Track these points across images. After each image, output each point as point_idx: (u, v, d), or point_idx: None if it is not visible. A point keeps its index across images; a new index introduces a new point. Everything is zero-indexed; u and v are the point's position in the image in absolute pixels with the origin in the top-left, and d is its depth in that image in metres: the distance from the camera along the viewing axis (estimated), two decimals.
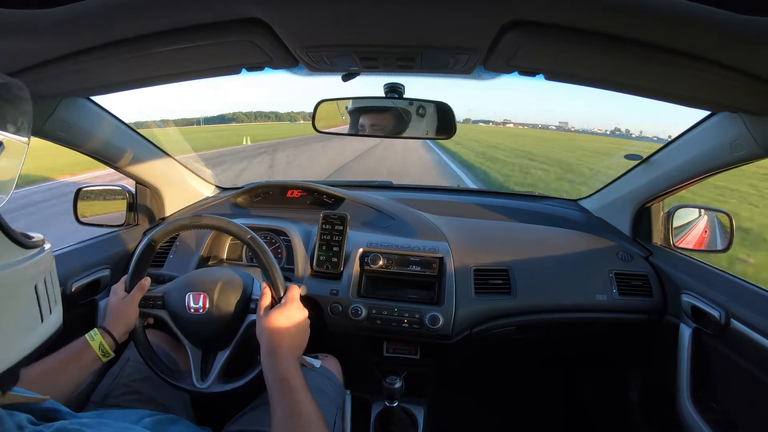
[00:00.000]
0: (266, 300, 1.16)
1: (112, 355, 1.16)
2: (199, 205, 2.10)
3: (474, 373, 2.31)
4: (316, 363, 1.42)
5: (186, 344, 1.26)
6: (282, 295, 1.17)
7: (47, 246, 0.60)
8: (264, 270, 1.19)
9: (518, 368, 2.29)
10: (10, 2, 0.69)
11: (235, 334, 1.23)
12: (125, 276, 1.28)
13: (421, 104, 1.45)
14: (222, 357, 1.23)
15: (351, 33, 0.94)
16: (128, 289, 1.26)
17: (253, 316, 1.22)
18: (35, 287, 0.57)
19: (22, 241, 0.55)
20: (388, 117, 1.50)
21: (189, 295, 1.22)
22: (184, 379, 1.24)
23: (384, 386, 1.62)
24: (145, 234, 1.86)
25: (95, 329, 1.16)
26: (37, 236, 0.60)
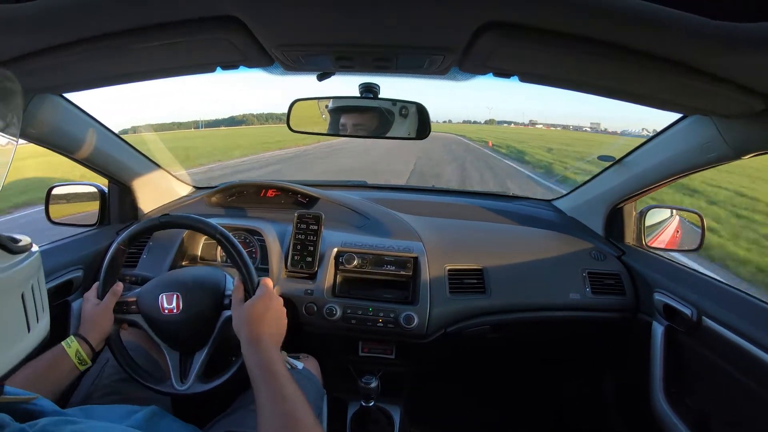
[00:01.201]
0: (240, 293, 1.14)
1: (89, 363, 1.14)
2: (173, 204, 2.07)
3: (450, 373, 2.32)
4: (299, 365, 1.41)
5: (163, 347, 1.24)
6: (256, 286, 1.16)
7: (35, 248, 0.57)
8: (235, 263, 1.18)
9: (494, 367, 2.30)
10: None
11: (211, 332, 1.22)
12: (97, 282, 1.26)
13: (404, 105, 1.44)
14: (200, 357, 1.22)
15: (327, 33, 0.94)
16: (100, 296, 1.23)
17: (228, 312, 1.21)
18: (22, 295, 0.54)
19: (9, 246, 0.53)
20: (371, 117, 1.48)
21: (162, 297, 1.21)
22: (164, 382, 1.22)
23: (360, 386, 1.62)
24: (118, 233, 1.83)
25: (71, 336, 1.14)
26: (24, 239, 0.57)
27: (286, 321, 1.16)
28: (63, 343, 1.12)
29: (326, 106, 1.51)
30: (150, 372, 1.24)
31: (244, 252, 1.19)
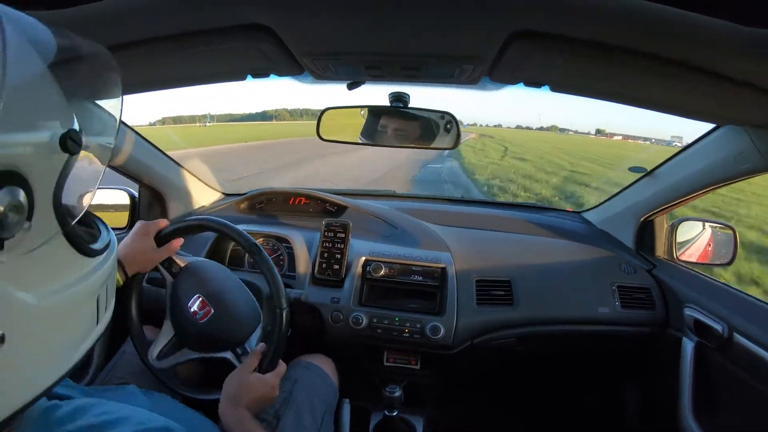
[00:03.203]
0: (254, 361, 1.15)
1: (119, 283, 1.14)
2: (202, 210, 2.10)
3: (474, 384, 2.30)
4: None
5: (166, 322, 1.28)
6: (273, 365, 1.17)
7: (113, 240, 0.57)
8: (267, 334, 1.23)
9: (518, 380, 2.27)
10: (15, 4, 0.69)
11: (209, 352, 1.26)
12: (163, 220, 1.28)
13: (450, 119, 1.44)
14: (187, 355, 1.26)
15: (356, 42, 0.95)
16: (161, 238, 1.24)
17: (230, 357, 1.25)
18: (97, 298, 0.54)
19: (88, 251, 0.52)
20: (414, 126, 1.48)
21: (197, 299, 1.23)
22: (143, 347, 1.27)
23: (383, 395, 1.61)
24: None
25: None
26: (103, 237, 0.57)
27: (272, 402, 1.18)
28: None
29: (362, 115, 1.51)
30: (143, 332, 1.31)
31: (284, 326, 1.21)
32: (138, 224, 1.23)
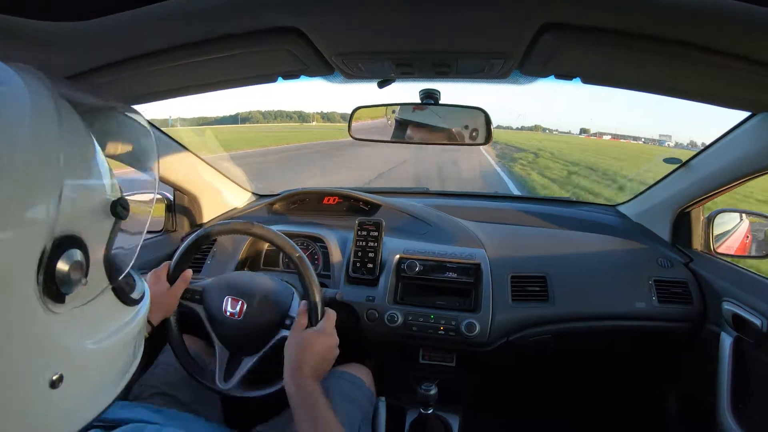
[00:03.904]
0: (303, 320, 1.16)
1: (147, 336, 1.16)
2: (236, 212, 2.13)
3: (509, 382, 2.28)
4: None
5: (215, 343, 1.29)
6: (320, 317, 1.17)
7: (146, 289, 0.63)
8: (306, 291, 1.20)
9: (554, 378, 2.25)
10: (43, 15, 0.72)
11: (264, 344, 1.25)
12: (168, 262, 1.30)
13: (476, 128, 1.46)
14: (248, 363, 1.26)
15: (386, 40, 0.95)
16: (171, 277, 1.27)
17: (285, 332, 1.24)
18: (134, 345, 0.60)
19: (130, 302, 0.58)
20: (438, 135, 1.51)
21: (227, 299, 1.25)
22: (207, 376, 1.26)
23: (419, 393, 1.61)
24: (182, 240, 1.90)
25: None
26: (139, 286, 0.62)
27: (335, 359, 1.17)
28: None
29: (393, 112, 1.53)
30: (198, 363, 1.30)
31: (317, 282, 1.20)
32: (148, 276, 1.27)
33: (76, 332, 0.46)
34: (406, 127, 1.52)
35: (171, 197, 1.99)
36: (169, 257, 1.79)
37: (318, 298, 1.18)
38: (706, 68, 0.92)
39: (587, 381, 2.23)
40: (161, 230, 1.97)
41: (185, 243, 1.30)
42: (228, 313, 1.24)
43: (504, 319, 1.60)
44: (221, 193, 2.09)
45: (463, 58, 1.05)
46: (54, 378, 0.43)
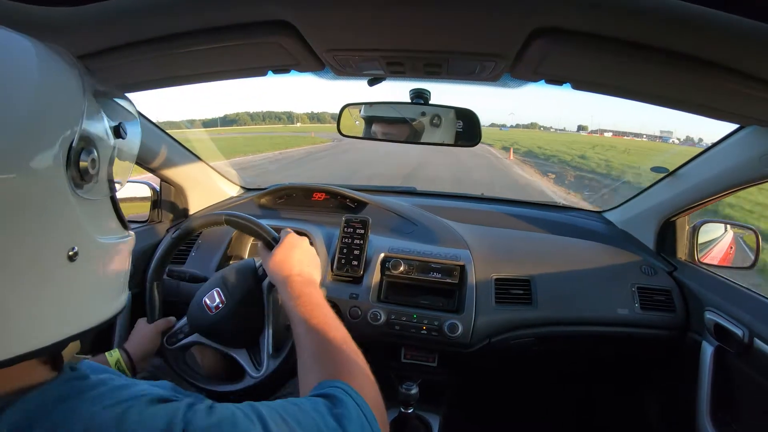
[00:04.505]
0: (264, 247, 1.18)
1: (128, 374, 1.20)
2: (223, 204, 2.12)
3: (491, 384, 2.29)
4: None
5: (231, 351, 1.29)
6: (277, 237, 1.18)
7: (132, 234, 0.69)
8: (250, 231, 1.20)
9: (536, 381, 2.26)
10: (40, 0, 0.71)
11: (263, 309, 1.25)
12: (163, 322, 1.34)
13: (436, 114, 1.45)
14: (265, 339, 1.26)
15: (378, 37, 0.95)
16: (149, 318, 1.31)
17: (267, 281, 1.24)
18: (130, 260, 0.68)
19: (126, 224, 0.68)
20: (400, 128, 1.50)
21: (204, 300, 1.25)
22: (241, 379, 1.27)
23: (400, 392, 1.61)
24: (167, 231, 1.89)
25: (115, 348, 1.23)
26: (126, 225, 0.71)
27: (317, 258, 1.18)
28: (106, 353, 1.21)
29: (359, 113, 1.54)
30: (221, 377, 1.33)
31: (253, 218, 1.21)
32: (151, 329, 1.31)
33: (88, 220, 0.56)
34: (371, 125, 1.53)
35: (157, 188, 1.97)
36: (154, 248, 1.79)
37: (262, 225, 1.19)
38: (695, 79, 0.92)
39: (569, 384, 2.24)
40: (146, 221, 1.96)
41: (159, 253, 1.33)
42: (213, 309, 1.24)
43: (487, 321, 1.60)
44: (208, 186, 2.08)
45: (454, 58, 1.04)
46: (71, 253, 0.53)
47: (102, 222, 0.61)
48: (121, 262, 0.65)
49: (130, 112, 0.69)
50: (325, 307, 0.99)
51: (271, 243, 1.16)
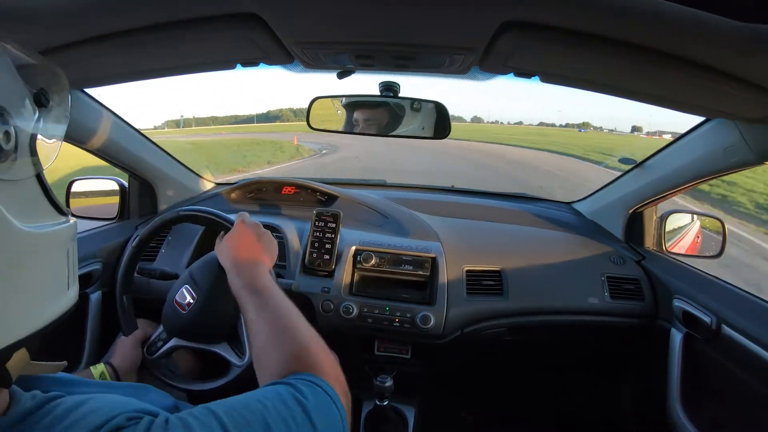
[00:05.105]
0: (220, 235, 1.18)
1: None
2: (192, 200, 2.09)
3: (465, 375, 2.31)
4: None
5: (212, 348, 1.28)
6: (231, 222, 1.18)
7: (72, 219, 0.63)
8: (204, 220, 1.21)
9: (509, 370, 2.29)
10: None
11: (234, 297, 1.25)
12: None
13: (416, 100, 1.44)
14: (242, 327, 1.25)
15: (347, 30, 0.95)
16: (125, 331, 1.30)
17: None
18: (67, 251, 0.59)
19: (61, 208, 0.60)
20: (381, 112, 1.50)
21: (175, 300, 1.23)
22: (227, 372, 1.27)
23: (375, 385, 1.62)
24: (137, 228, 1.86)
25: (101, 362, 1.22)
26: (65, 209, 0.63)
27: (273, 244, 1.17)
28: (91, 367, 1.19)
29: (341, 102, 1.52)
30: (204, 375, 1.33)
31: (205, 208, 1.23)
32: (131, 340, 1.31)
33: (9, 205, 0.49)
34: (353, 116, 1.52)
35: (126, 184, 1.93)
36: (123, 246, 1.75)
37: (216, 214, 1.21)
38: (665, 74, 0.94)
39: (542, 373, 2.28)
40: (115, 218, 1.92)
41: (122, 265, 1.31)
42: (185, 306, 1.22)
43: (459, 312, 1.62)
44: (178, 181, 2.04)
45: (422, 52, 1.05)
46: None
47: (27, 207, 0.54)
48: (60, 253, 0.58)
49: (59, 82, 0.62)
50: (276, 290, 0.96)
51: (228, 228, 1.16)
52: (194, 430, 0.54)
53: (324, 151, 24.27)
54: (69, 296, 0.60)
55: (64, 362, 0.63)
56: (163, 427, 0.53)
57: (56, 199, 0.59)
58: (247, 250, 1.08)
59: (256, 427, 0.57)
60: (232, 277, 1.01)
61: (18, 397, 0.53)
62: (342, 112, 1.51)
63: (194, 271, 1.25)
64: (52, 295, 0.56)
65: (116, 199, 1.93)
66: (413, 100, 1.44)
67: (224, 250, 1.09)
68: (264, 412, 0.59)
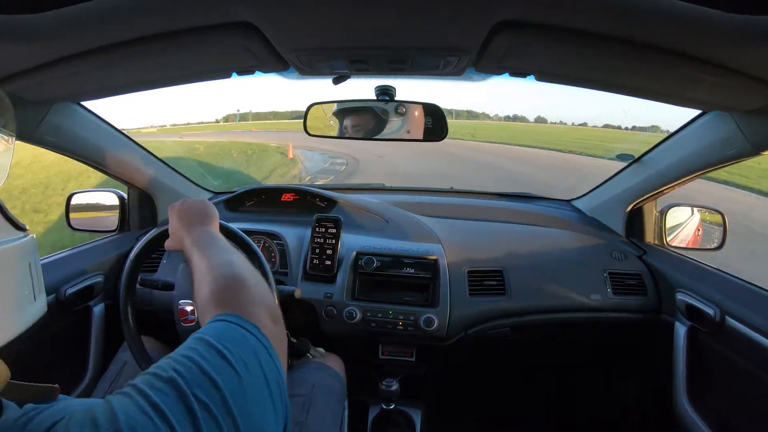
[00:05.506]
0: None
1: None
2: None
3: (470, 375, 2.31)
4: (320, 350, 1.50)
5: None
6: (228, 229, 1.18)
7: (30, 233, 0.63)
8: None
9: (514, 370, 2.28)
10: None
11: None
12: None
13: (401, 104, 1.42)
14: None
15: (341, 36, 0.94)
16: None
17: None
18: (29, 264, 0.59)
19: (17, 223, 0.59)
20: (367, 117, 1.48)
21: (180, 322, 1.23)
22: (144, 357, 1.26)
23: (380, 389, 1.62)
24: (137, 239, 1.86)
25: None
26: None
27: (205, 204, 1.06)
28: None
29: (333, 111, 1.51)
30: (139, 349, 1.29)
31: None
32: None
33: None
34: (343, 122, 1.51)
35: (125, 196, 1.93)
36: (122, 258, 1.75)
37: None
38: (660, 68, 0.94)
39: (548, 372, 2.27)
40: (115, 230, 1.91)
41: (122, 290, 1.29)
42: (191, 323, 1.23)
43: (462, 314, 1.62)
44: (176, 191, 2.04)
45: (417, 55, 1.05)
46: None
47: None
48: (19, 268, 0.58)
49: (2, 104, 0.61)
50: (220, 240, 0.89)
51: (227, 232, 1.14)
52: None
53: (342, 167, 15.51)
54: (36, 307, 0.60)
55: (56, 385, 0.59)
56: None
57: (10, 215, 0.59)
58: (182, 219, 0.98)
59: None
60: (185, 254, 0.92)
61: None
62: (335, 122, 1.51)
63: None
64: (17, 308, 0.56)
65: (116, 211, 1.93)
66: (397, 105, 1.43)
67: (167, 242, 1.03)
68: (179, 368, 0.56)
